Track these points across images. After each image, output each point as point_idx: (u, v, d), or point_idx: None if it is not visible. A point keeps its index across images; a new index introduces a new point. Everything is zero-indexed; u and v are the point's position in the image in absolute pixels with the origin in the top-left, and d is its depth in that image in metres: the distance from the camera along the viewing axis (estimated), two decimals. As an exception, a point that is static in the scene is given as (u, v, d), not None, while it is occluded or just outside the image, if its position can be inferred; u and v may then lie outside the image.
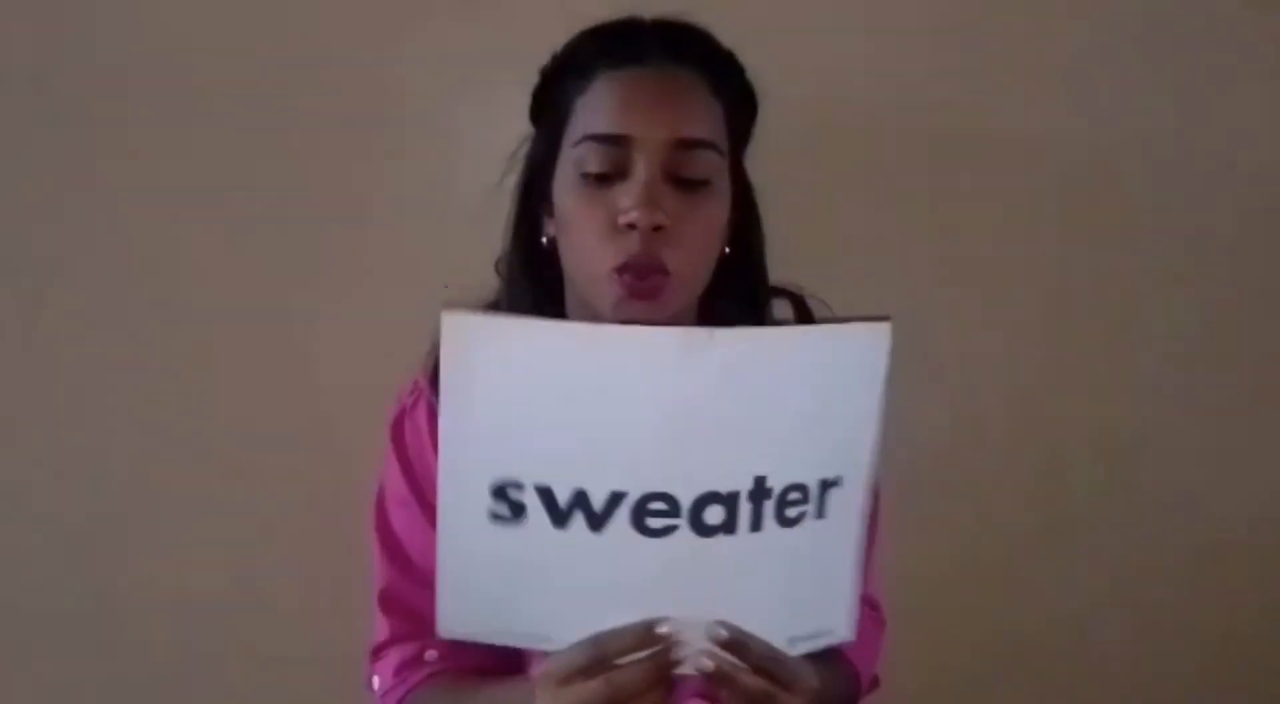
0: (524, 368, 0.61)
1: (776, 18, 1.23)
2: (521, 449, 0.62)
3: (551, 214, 0.84)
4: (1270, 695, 1.50)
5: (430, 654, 0.87)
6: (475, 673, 0.85)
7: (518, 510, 0.63)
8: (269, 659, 1.33)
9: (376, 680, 0.90)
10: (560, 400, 0.61)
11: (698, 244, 0.80)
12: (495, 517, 0.63)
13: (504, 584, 0.65)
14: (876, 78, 1.30)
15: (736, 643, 0.66)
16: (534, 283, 0.85)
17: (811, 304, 0.91)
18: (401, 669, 0.88)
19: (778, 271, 0.91)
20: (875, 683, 0.93)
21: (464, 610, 0.65)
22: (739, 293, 0.88)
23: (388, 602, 0.90)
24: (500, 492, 0.62)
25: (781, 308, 0.92)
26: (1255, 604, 1.48)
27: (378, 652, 0.90)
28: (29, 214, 1.26)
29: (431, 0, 1.26)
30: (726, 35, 0.86)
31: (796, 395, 0.63)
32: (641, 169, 0.77)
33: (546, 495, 0.62)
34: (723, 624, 0.65)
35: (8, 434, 1.30)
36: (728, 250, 0.85)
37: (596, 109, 0.79)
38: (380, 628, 0.90)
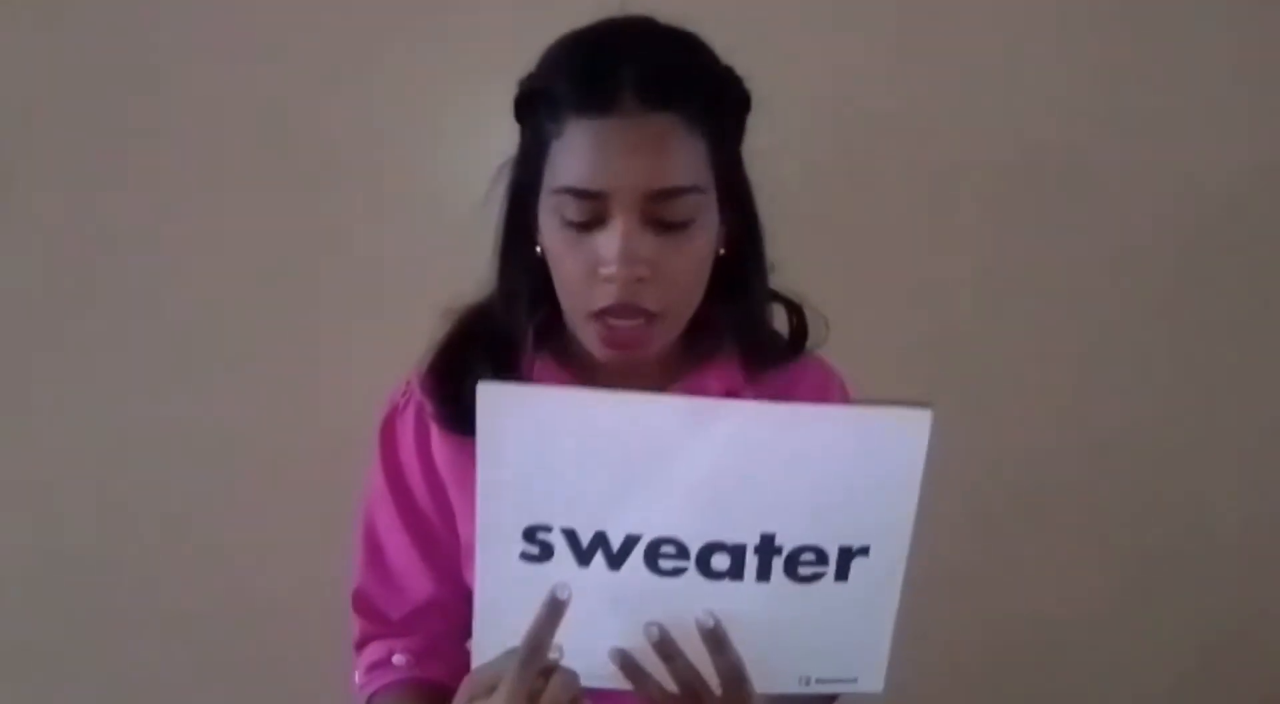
0: (549, 428, 0.67)
1: (775, 17, 1.21)
2: (549, 497, 0.68)
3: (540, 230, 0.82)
4: (1268, 696, 1.50)
5: (399, 658, 0.89)
6: (439, 684, 0.88)
7: (546, 551, 0.69)
8: (269, 660, 1.35)
9: (356, 676, 0.92)
10: (581, 455, 0.67)
11: (681, 283, 0.79)
12: (526, 556, 0.69)
13: (532, 618, 0.69)
14: (878, 80, 1.28)
15: (716, 635, 0.69)
16: (527, 287, 0.84)
17: (809, 317, 0.90)
18: (371, 669, 0.91)
19: (779, 275, 0.89)
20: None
21: (497, 646, 0.69)
22: (735, 296, 0.86)
23: (359, 602, 0.92)
24: (531, 534, 0.69)
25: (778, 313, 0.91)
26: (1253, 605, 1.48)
27: (356, 649, 0.93)
28: (31, 216, 1.27)
29: (427, 7, 1.25)
30: (723, 36, 0.82)
31: (816, 468, 0.67)
32: (619, 220, 0.75)
33: (571, 537, 0.69)
34: (712, 614, 0.69)
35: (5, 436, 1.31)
36: (723, 251, 0.83)
37: (570, 160, 0.76)
38: (354, 627, 0.93)
